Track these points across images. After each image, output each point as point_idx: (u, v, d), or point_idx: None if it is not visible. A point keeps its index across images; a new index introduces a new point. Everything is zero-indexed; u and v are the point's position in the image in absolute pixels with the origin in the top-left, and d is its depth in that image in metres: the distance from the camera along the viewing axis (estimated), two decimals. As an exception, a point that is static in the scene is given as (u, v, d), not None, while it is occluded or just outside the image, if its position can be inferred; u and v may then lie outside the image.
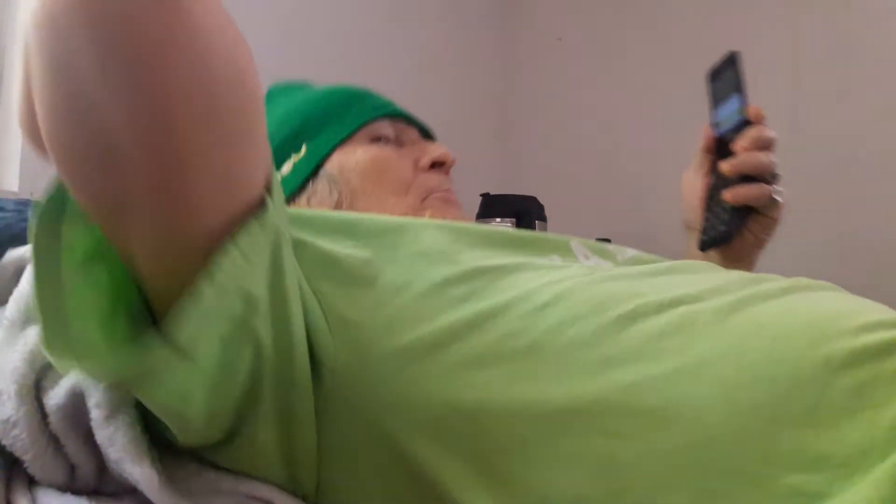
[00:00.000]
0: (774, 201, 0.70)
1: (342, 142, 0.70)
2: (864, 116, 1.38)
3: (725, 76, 0.75)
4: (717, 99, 0.76)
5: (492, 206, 1.48)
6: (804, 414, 0.36)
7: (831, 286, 0.48)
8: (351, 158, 0.69)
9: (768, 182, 0.69)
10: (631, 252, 0.60)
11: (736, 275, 0.51)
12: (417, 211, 0.68)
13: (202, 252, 0.37)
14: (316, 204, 0.67)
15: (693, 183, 0.76)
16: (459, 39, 1.75)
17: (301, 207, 0.67)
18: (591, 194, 1.73)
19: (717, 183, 0.71)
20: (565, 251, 0.57)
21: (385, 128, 0.72)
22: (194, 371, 0.38)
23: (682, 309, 0.43)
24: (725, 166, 0.69)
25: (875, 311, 0.42)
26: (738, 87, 0.72)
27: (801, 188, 1.43)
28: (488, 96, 1.80)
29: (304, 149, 0.70)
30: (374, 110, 0.72)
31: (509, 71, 1.83)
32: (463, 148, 1.69)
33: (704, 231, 0.72)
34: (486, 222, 1.46)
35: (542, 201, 1.44)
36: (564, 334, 0.42)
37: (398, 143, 0.73)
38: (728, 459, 0.36)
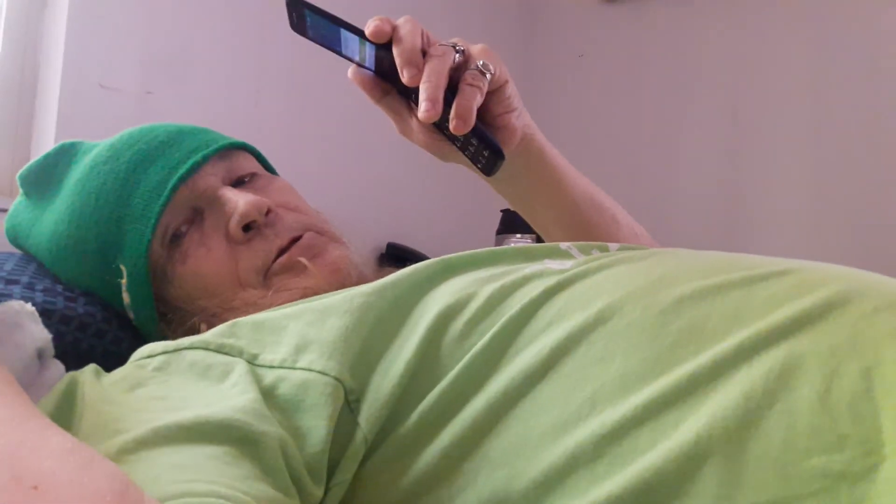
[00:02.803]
0: (490, 74, 0.58)
1: (148, 252, 0.61)
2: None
3: (314, 23, 0.58)
4: (332, 44, 0.59)
5: (512, 223, 1.48)
6: (817, 399, 0.37)
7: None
8: (169, 287, 0.62)
9: (462, 69, 0.57)
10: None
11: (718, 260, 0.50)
12: (269, 297, 0.59)
13: None
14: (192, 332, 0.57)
15: (412, 132, 0.62)
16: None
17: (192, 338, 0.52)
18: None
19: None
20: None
21: (174, 216, 0.62)
22: None
23: (688, 312, 0.43)
24: (423, 115, 0.54)
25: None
26: (337, 24, 0.57)
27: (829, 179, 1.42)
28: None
29: (124, 270, 0.62)
30: (154, 201, 0.61)
31: (530, 87, 1.84)
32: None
33: (474, 161, 0.60)
34: (507, 238, 1.47)
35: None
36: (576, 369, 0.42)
37: (195, 214, 0.62)
38: (751, 448, 0.36)
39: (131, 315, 0.65)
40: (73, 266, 0.65)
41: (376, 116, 1.66)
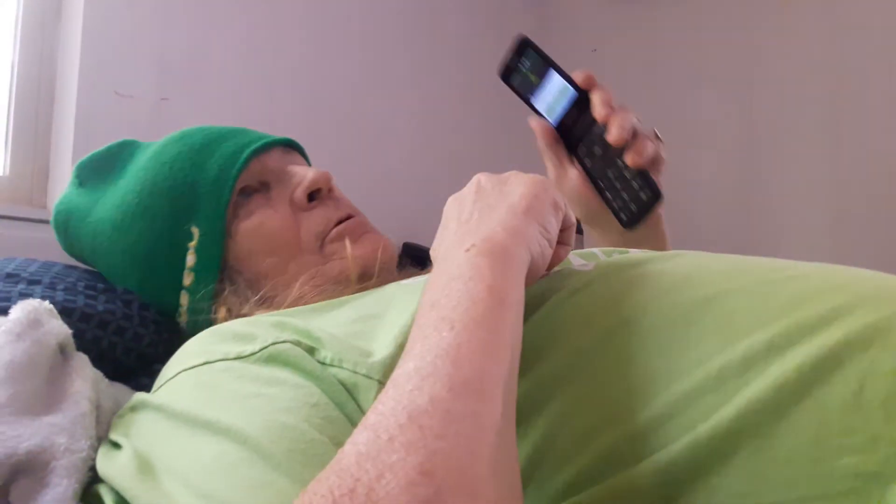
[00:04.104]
0: (660, 141, 0.67)
1: (226, 212, 0.65)
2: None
3: (527, 65, 0.69)
4: (528, 91, 0.70)
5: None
6: (851, 397, 0.36)
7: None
8: (231, 244, 0.65)
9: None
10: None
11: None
12: (322, 264, 0.64)
13: None
14: (247, 306, 0.62)
15: (567, 180, 0.70)
16: (493, 49, 1.76)
17: (249, 314, 0.60)
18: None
19: (598, 164, 0.66)
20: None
21: (243, 180, 0.67)
22: None
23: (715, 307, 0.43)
24: (612, 138, 0.62)
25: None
26: (550, 67, 0.67)
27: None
28: (522, 107, 1.80)
29: (195, 232, 0.65)
30: (230, 166, 0.66)
31: (544, 84, 1.84)
32: (496, 160, 1.70)
33: (623, 209, 0.65)
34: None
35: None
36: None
37: (263, 186, 0.68)
38: (780, 443, 0.36)
39: (189, 280, 0.66)
40: (137, 232, 0.67)
41: (390, 118, 1.66)
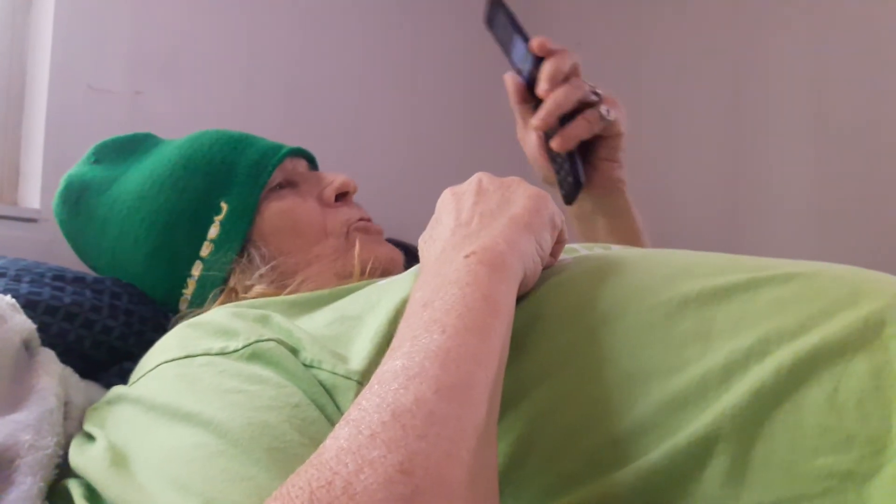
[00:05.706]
0: (607, 121, 0.65)
1: (262, 191, 0.68)
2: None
3: (499, 21, 0.68)
4: (504, 45, 0.68)
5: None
6: (825, 398, 0.36)
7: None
8: (258, 220, 0.68)
9: (591, 105, 0.64)
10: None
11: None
12: (344, 251, 0.67)
13: None
14: (254, 276, 0.65)
15: (528, 139, 0.71)
16: (476, 41, 1.75)
17: (255, 285, 0.64)
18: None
19: (548, 131, 0.66)
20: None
21: (277, 175, 0.70)
22: None
23: (693, 311, 0.42)
24: (535, 122, 0.63)
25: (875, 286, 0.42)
26: (515, 29, 0.66)
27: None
28: (505, 100, 1.80)
29: (224, 207, 0.68)
30: (271, 155, 0.70)
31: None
32: (479, 154, 1.70)
33: (560, 185, 0.66)
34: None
35: (560, 207, 1.44)
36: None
37: (291, 184, 0.72)
38: (758, 446, 0.36)
39: (207, 251, 0.68)
40: (163, 200, 0.68)
41: (372, 114, 1.65)
